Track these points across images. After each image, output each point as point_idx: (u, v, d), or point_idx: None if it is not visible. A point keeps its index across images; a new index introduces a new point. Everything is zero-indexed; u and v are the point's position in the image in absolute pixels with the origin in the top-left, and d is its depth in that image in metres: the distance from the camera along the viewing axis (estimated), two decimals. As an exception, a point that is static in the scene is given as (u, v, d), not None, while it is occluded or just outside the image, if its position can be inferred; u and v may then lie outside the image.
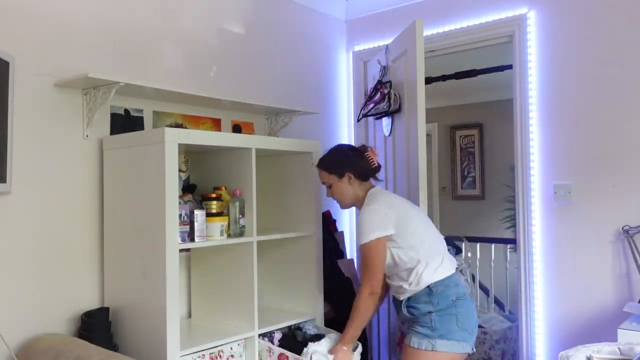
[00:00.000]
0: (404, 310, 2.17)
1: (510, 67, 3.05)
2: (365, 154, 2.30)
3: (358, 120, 3.26)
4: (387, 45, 3.02)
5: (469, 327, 2.11)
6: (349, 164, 2.27)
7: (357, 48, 3.61)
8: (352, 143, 3.62)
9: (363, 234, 2.13)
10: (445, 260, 2.17)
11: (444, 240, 2.28)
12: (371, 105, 2.91)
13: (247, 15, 3.00)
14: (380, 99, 2.85)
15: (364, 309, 2.18)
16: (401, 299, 2.18)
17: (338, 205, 2.36)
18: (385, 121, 3.00)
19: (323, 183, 2.34)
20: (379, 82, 2.94)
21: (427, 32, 3.22)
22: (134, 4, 2.47)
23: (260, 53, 3.07)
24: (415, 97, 2.51)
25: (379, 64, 3.04)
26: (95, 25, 2.32)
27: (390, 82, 2.84)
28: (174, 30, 2.63)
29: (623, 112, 2.64)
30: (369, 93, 3.02)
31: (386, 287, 2.28)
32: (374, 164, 2.29)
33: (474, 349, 2.15)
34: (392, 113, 2.87)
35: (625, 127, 2.64)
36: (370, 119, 3.25)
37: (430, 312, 2.09)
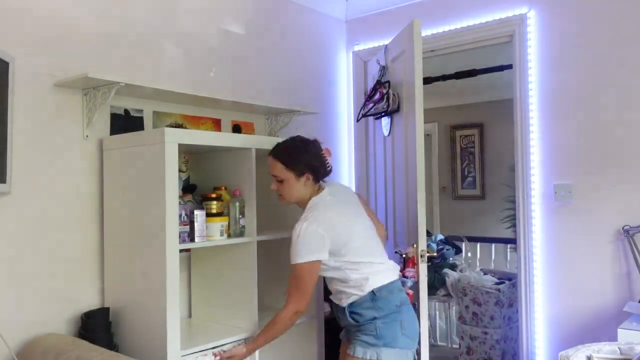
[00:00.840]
0: (348, 317, 2.08)
1: (510, 67, 3.05)
2: (321, 153, 2.13)
3: (357, 120, 3.26)
4: (386, 45, 3.02)
5: (412, 334, 2.06)
6: (311, 165, 2.08)
7: (357, 48, 3.61)
8: (352, 143, 3.62)
9: (299, 254, 1.98)
10: (387, 266, 2.11)
11: (383, 249, 2.18)
12: (370, 105, 2.91)
13: (247, 15, 3.00)
14: (379, 98, 2.85)
15: (282, 327, 2.07)
16: (343, 304, 2.09)
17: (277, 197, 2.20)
18: (385, 121, 3.00)
19: (273, 175, 2.13)
20: (378, 82, 2.94)
21: (427, 32, 3.23)
22: (134, 4, 2.47)
23: (260, 53, 3.07)
24: (413, 96, 2.52)
25: (378, 64, 3.04)
26: (95, 25, 2.32)
27: (388, 82, 2.84)
28: (174, 30, 2.63)
29: (623, 111, 2.64)
30: (368, 93, 3.02)
31: None
32: (329, 166, 2.14)
33: (415, 357, 2.13)
34: (391, 113, 2.87)
35: (625, 127, 2.64)
36: (370, 118, 3.25)
37: (374, 319, 2.01)
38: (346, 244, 2.04)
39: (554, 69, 2.83)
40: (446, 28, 3.19)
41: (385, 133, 3.03)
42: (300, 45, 3.33)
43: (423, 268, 2.44)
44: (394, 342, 2.00)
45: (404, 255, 2.54)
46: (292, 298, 2.04)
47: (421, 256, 2.43)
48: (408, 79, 2.63)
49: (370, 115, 2.99)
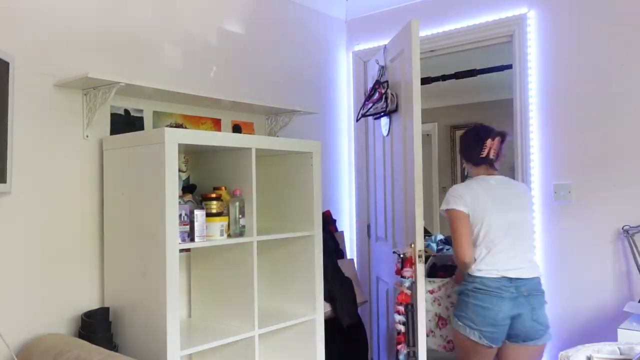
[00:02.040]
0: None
1: (510, 67, 3.05)
2: (480, 140, 2.48)
3: (357, 120, 3.26)
4: (385, 45, 3.02)
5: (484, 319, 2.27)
6: (461, 152, 2.61)
7: (357, 48, 3.61)
8: (352, 143, 3.62)
9: (444, 202, 2.44)
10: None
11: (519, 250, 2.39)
12: (370, 105, 2.91)
13: (247, 15, 3.00)
14: (378, 98, 2.85)
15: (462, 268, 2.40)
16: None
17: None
18: (384, 121, 3.00)
19: None
20: (377, 82, 2.94)
21: (427, 32, 3.23)
22: (134, 4, 2.47)
23: (260, 53, 3.07)
24: (411, 96, 2.52)
25: (377, 64, 3.04)
26: (95, 25, 2.32)
27: (387, 82, 2.84)
28: (174, 30, 2.63)
29: (623, 111, 2.64)
30: (368, 93, 3.02)
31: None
32: (484, 154, 2.46)
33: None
34: (389, 113, 2.87)
35: (625, 127, 2.64)
36: (370, 118, 3.26)
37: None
38: (482, 223, 2.33)
39: (554, 69, 2.83)
40: (446, 28, 3.19)
41: (384, 133, 3.03)
42: (300, 45, 3.33)
43: (420, 268, 2.44)
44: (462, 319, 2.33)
45: (401, 256, 2.54)
46: (454, 250, 2.37)
47: (419, 256, 2.43)
48: (406, 78, 2.63)
49: (370, 115, 2.99)
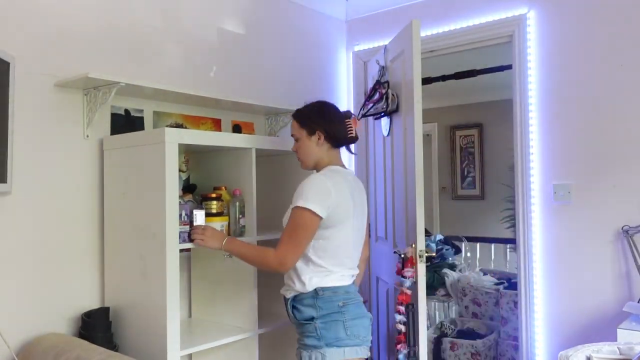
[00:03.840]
0: (289, 310, 2.03)
1: (510, 67, 3.05)
2: (347, 120, 2.10)
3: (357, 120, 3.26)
4: (385, 45, 3.02)
5: (359, 333, 1.96)
6: (323, 123, 2.05)
7: (357, 48, 3.61)
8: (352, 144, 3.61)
9: (305, 198, 1.90)
10: (345, 273, 2.02)
11: (355, 261, 2.10)
12: (370, 105, 2.91)
13: (247, 15, 3.01)
14: (379, 99, 2.85)
15: (260, 263, 2.03)
16: (287, 296, 2.04)
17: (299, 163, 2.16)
18: (384, 121, 3.01)
19: (292, 135, 2.13)
20: (378, 82, 2.94)
21: (427, 32, 3.23)
22: (134, 4, 2.47)
23: (260, 53, 3.07)
24: (412, 96, 2.52)
25: (378, 64, 3.04)
26: (95, 25, 2.32)
27: (387, 82, 2.84)
28: (174, 30, 2.63)
29: (623, 111, 2.64)
30: (368, 93, 3.02)
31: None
32: (352, 133, 2.10)
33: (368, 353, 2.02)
34: (390, 113, 2.87)
35: (625, 127, 2.64)
36: (370, 119, 3.26)
37: (313, 319, 1.94)
38: (335, 226, 1.97)
39: (554, 69, 2.83)
40: (446, 28, 3.19)
41: (385, 133, 3.03)
42: (300, 45, 3.34)
43: (421, 268, 2.44)
44: (338, 341, 1.92)
45: (402, 256, 2.54)
46: (283, 246, 1.93)
47: (420, 256, 2.43)
48: (407, 78, 2.63)
49: (370, 115, 2.99)
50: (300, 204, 1.91)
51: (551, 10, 2.84)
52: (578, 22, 2.76)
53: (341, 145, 2.13)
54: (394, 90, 2.82)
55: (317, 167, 2.11)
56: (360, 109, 3.02)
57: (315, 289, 1.96)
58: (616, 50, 2.66)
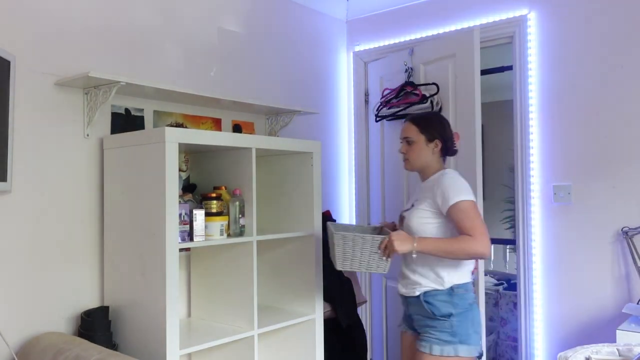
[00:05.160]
0: (424, 306, 2.07)
1: (510, 68, 3.06)
2: (452, 132, 2.25)
3: (377, 121, 3.26)
4: (412, 48, 3.04)
5: (479, 330, 2.10)
6: (443, 134, 2.18)
7: (358, 48, 3.61)
8: (353, 144, 3.62)
9: (462, 192, 2.01)
10: (470, 267, 2.14)
11: None
12: (403, 106, 2.93)
13: (247, 15, 3.01)
14: (419, 100, 2.89)
15: (463, 255, 1.99)
16: (416, 294, 2.10)
17: (403, 162, 2.24)
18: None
19: (405, 138, 2.20)
20: (410, 83, 2.97)
21: (427, 33, 3.23)
22: (134, 3, 2.48)
23: (261, 53, 3.07)
24: (472, 105, 2.63)
25: (405, 65, 3.04)
26: (96, 24, 2.33)
27: (436, 84, 2.85)
28: (174, 30, 2.63)
29: (623, 113, 2.65)
30: (395, 92, 3.03)
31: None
32: (456, 147, 2.25)
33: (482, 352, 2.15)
34: None
35: (625, 128, 2.64)
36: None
37: (450, 315, 2.03)
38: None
39: (554, 70, 2.83)
40: (446, 29, 3.19)
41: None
42: (300, 45, 3.34)
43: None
44: (468, 339, 2.03)
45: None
46: (479, 235, 1.95)
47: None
48: (463, 83, 2.71)
49: (400, 115, 3.01)
50: (463, 197, 2.01)
51: (552, 12, 2.85)
52: (578, 23, 2.76)
53: (446, 156, 2.25)
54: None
55: (423, 171, 2.21)
56: (380, 107, 3.03)
57: (451, 286, 2.06)
58: (616, 51, 2.66)
